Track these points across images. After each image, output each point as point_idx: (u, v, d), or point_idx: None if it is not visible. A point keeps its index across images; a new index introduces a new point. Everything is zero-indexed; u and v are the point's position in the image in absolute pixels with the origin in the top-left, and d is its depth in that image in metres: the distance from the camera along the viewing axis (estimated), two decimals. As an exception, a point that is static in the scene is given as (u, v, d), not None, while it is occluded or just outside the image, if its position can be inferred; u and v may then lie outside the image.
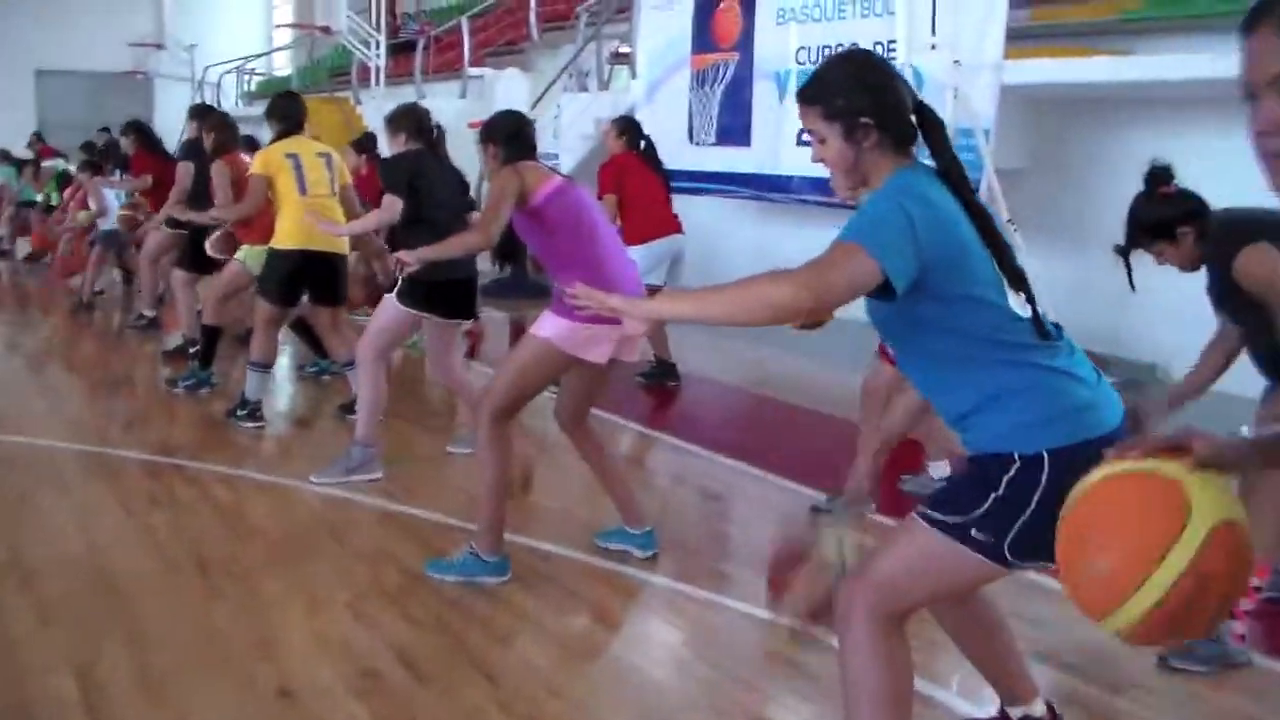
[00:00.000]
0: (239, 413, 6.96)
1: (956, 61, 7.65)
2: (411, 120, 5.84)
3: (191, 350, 8.21)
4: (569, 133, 11.99)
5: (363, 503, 5.61)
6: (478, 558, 4.50)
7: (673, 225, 8.10)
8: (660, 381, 8.28)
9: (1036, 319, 2.59)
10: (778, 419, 7.74)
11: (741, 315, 2.42)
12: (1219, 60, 7.65)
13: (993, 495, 2.51)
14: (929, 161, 2.68)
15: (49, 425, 6.98)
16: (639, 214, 7.80)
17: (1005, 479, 2.51)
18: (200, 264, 8.20)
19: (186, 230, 8.44)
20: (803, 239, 10.14)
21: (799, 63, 9.30)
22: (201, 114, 8.70)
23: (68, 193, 12.93)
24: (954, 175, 2.62)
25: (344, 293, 7.03)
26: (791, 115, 9.44)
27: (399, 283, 5.52)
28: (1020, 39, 8.31)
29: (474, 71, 15.82)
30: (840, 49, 8.99)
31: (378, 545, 5.10)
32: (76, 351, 10.22)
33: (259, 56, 26.14)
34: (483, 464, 4.54)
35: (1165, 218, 3.87)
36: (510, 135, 4.66)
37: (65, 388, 8.75)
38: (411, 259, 4.75)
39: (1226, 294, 3.84)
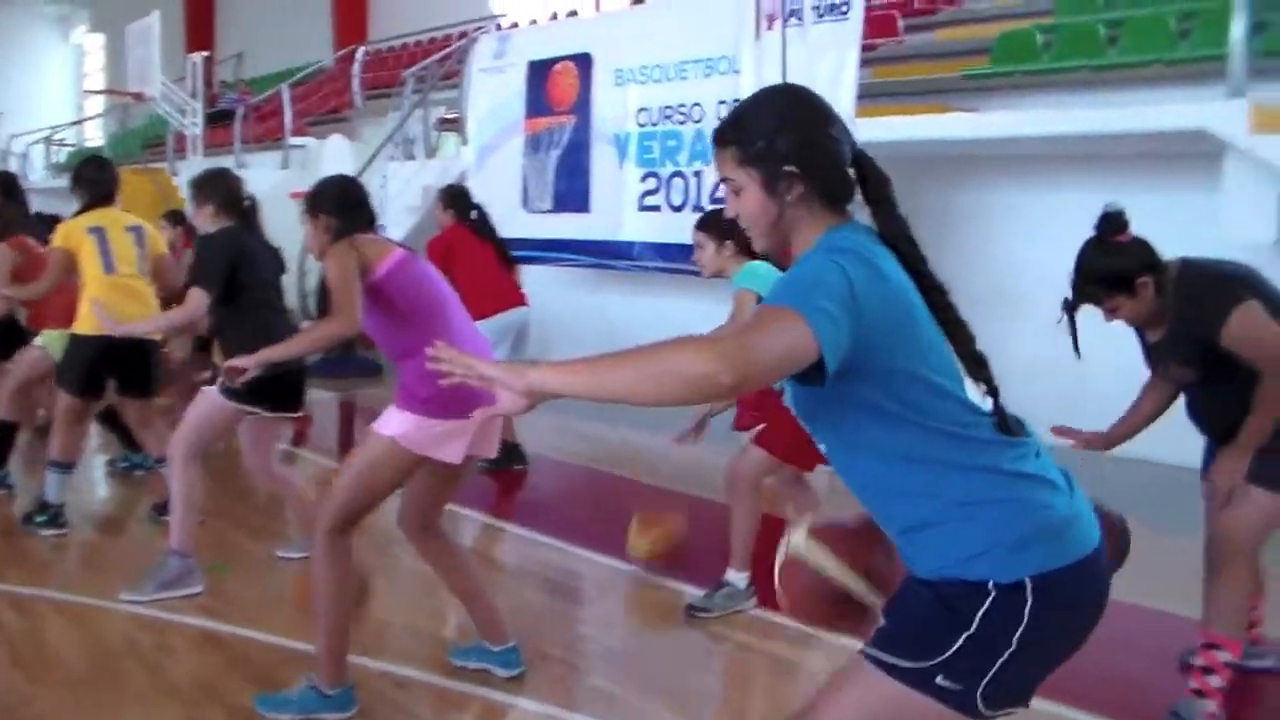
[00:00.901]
0: (37, 518, 6.07)
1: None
2: (220, 188, 5.10)
3: None
4: (396, 203, 11.39)
5: (182, 624, 4.79)
6: (318, 691, 3.81)
7: (515, 297, 7.36)
8: (505, 465, 7.48)
9: (1001, 413, 2.09)
10: (636, 503, 7.10)
11: (649, 390, 1.87)
12: (1062, 116, 7.56)
13: (964, 634, 2.00)
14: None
15: None
16: (475, 289, 7.07)
17: (979, 613, 2.00)
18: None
19: None
20: (643, 307, 9.76)
21: (640, 125, 8.91)
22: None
23: None
24: (900, 239, 2.14)
25: (155, 382, 6.24)
26: (633, 180, 9.21)
27: (222, 372, 4.75)
28: (864, 98, 8.04)
29: (296, 140, 15.10)
30: (682, 107, 8.92)
31: (199, 677, 4.31)
32: None
33: (69, 125, 24.88)
34: (320, 581, 3.83)
35: (1123, 269, 3.51)
36: (343, 205, 4.04)
37: None
38: (252, 363, 4.03)
39: (1194, 350, 3.55)
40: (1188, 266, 3.56)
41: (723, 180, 2.19)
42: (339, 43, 20.60)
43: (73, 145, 24.10)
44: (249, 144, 15.87)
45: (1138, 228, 3.56)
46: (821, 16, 7.79)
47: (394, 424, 3.79)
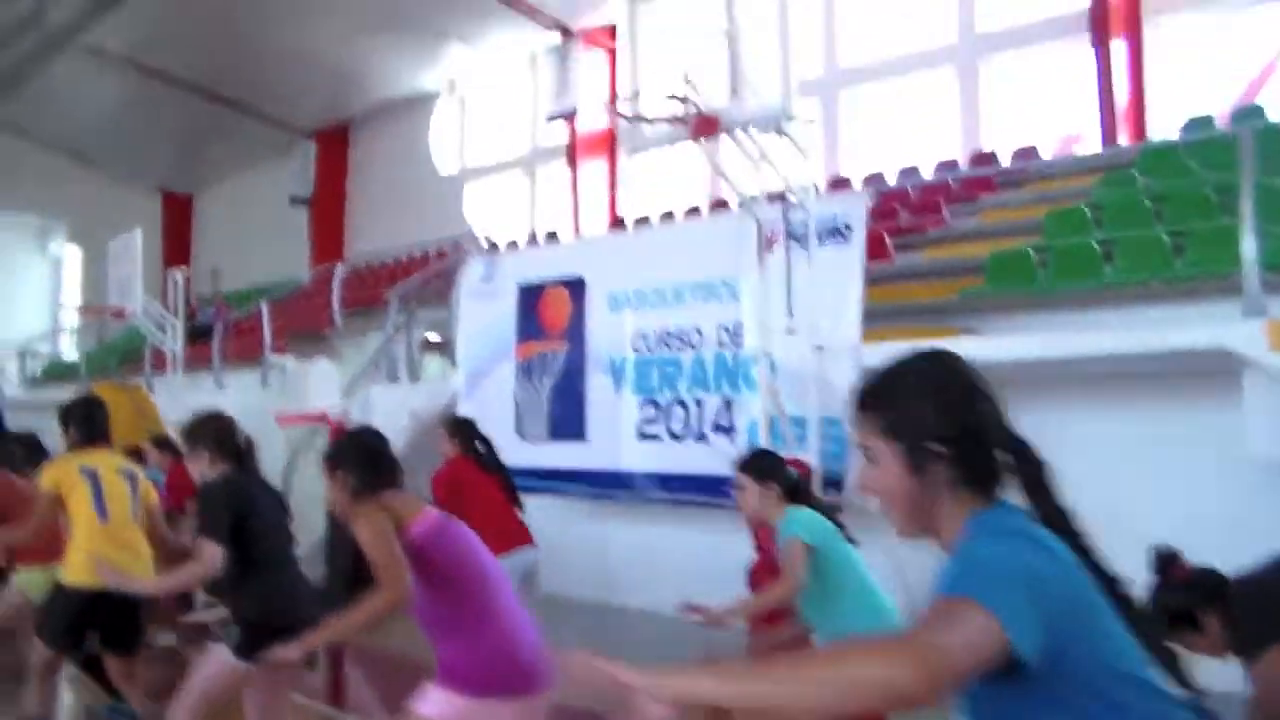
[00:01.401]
0: None
1: (819, 346, 7.12)
2: (213, 433, 4.80)
3: None
4: (385, 427, 11.03)
5: None
6: None
7: (522, 536, 6.89)
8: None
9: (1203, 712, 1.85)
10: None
11: (837, 700, 1.63)
12: (1078, 339, 7.44)
13: None
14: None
15: None
16: (483, 526, 6.68)
17: None
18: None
19: None
20: (647, 537, 9.45)
21: (637, 351, 8.72)
22: None
23: None
24: (1066, 527, 1.92)
25: (141, 638, 5.81)
26: (631, 407, 9.00)
27: (232, 631, 4.50)
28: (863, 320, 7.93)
29: (275, 359, 14.87)
30: (681, 333, 8.76)
31: None
32: None
33: (43, 338, 24.68)
34: None
35: (1185, 605, 3.30)
36: (368, 460, 3.82)
37: None
38: (304, 650, 3.81)
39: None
40: (1246, 586, 3.31)
41: (860, 446, 2.01)
42: (316, 258, 20.69)
43: (49, 356, 23.85)
44: (228, 361, 15.64)
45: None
46: (824, 240, 7.71)
47: (434, 703, 3.48)
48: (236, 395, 14.60)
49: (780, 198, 7.68)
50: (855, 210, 8.00)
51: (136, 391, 17.03)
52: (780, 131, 6.92)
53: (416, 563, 3.56)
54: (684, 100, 6.87)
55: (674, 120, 6.89)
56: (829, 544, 4.29)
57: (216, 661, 4.57)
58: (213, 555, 4.42)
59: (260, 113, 21.40)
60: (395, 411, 11.01)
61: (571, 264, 9.49)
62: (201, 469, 4.77)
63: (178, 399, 14.55)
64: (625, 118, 7.30)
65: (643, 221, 12.80)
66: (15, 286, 27.83)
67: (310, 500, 7.82)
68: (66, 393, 19.13)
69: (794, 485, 4.59)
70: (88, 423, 5.81)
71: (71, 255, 28.37)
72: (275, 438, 9.15)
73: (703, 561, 8.27)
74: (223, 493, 4.61)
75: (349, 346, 15.38)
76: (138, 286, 15.37)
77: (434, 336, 12.60)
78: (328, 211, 21.29)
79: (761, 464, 4.58)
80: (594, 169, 16.48)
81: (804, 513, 4.39)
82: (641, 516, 8.93)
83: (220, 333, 15.83)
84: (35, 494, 5.73)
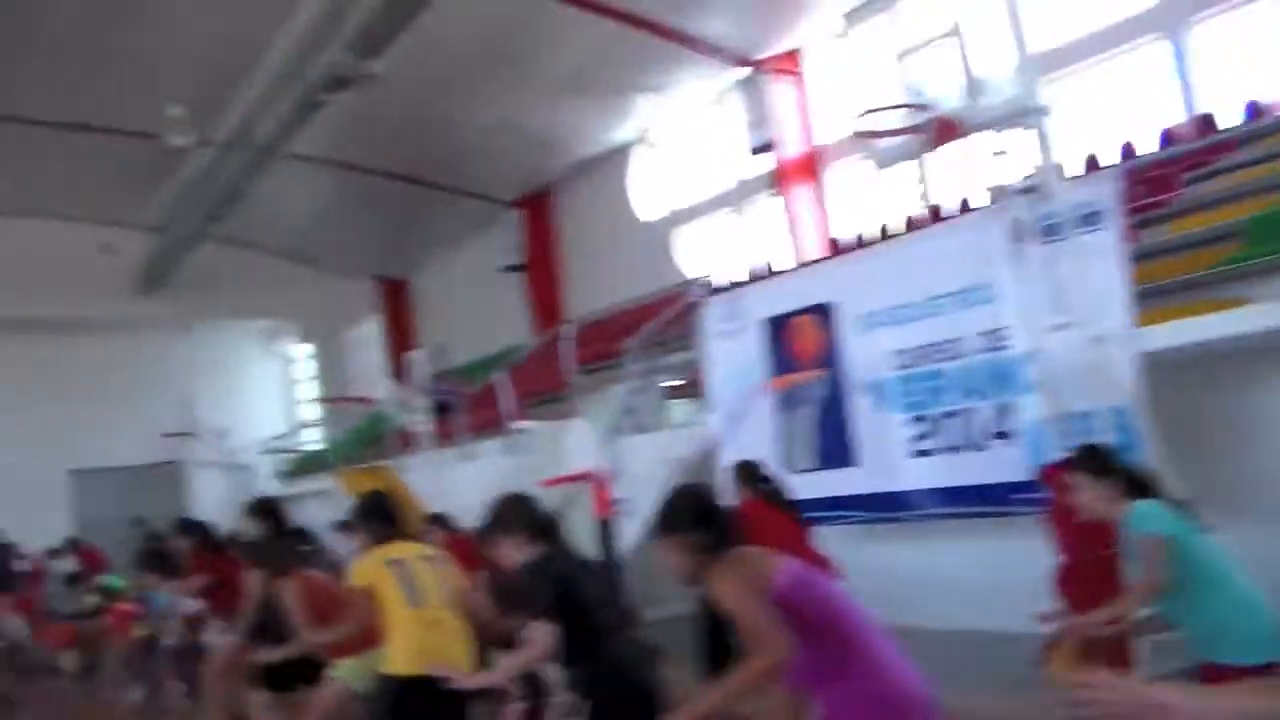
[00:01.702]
0: None
1: (1097, 337, 6.88)
2: (523, 515, 4.84)
3: None
4: (644, 479, 11.11)
5: None
6: None
7: (825, 569, 6.83)
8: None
9: None
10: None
11: None
12: None
13: None
14: None
15: None
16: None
17: None
18: (283, 682, 7.06)
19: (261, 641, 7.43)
20: (925, 555, 9.28)
21: (897, 368, 8.58)
22: (263, 517, 7.81)
23: (119, 611, 11.78)
24: None
25: None
26: (897, 425, 8.87)
27: (583, 703, 4.45)
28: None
29: (518, 425, 15.17)
30: (941, 344, 8.56)
31: None
32: None
33: (287, 434, 25.81)
34: None
35: None
36: (706, 517, 3.72)
37: None
38: (699, 713, 3.57)
39: None
40: None
41: None
42: (537, 322, 21.07)
43: (292, 452, 24.89)
44: (471, 434, 16.02)
45: None
46: (1079, 228, 7.46)
47: None
48: (485, 466, 14.95)
49: (1027, 191, 7.48)
50: (1105, 193, 7.74)
51: (386, 472, 17.64)
52: (1027, 125, 6.76)
53: (785, 615, 3.41)
54: (920, 108, 6.77)
55: (913, 130, 6.79)
56: (1186, 536, 4.10)
57: None
58: (545, 635, 4.40)
59: (463, 189, 21.99)
60: (652, 461, 11.07)
61: (815, 291, 9.44)
62: (514, 553, 4.77)
63: (430, 477, 14.98)
64: (864, 135, 7.17)
65: (867, 242, 12.66)
66: (252, 388, 29.23)
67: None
68: (319, 483, 20.01)
69: (1136, 478, 4.40)
70: (382, 517, 5.96)
71: (301, 352, 29.64)
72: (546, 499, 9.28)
73: (994, 574, 8.07)
74: (544, 572, 4.59)
75: (588, 403, 15.57)
76: (378, 373, 15.92)
77: (675, 381, 12.65)
78: (541, 275, 21.65)
79: (1096, 459, 4.40)
80: (800, 195, 16.40)
81: (1152, 506, 4.19)
82: (923, 534, 8.77)
83: (459, 407, 16.24)
84: (345, 591, 5.93)
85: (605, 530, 10.61)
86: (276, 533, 7.66)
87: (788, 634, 3.35)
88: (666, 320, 13.43)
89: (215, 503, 22.45)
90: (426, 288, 26.68)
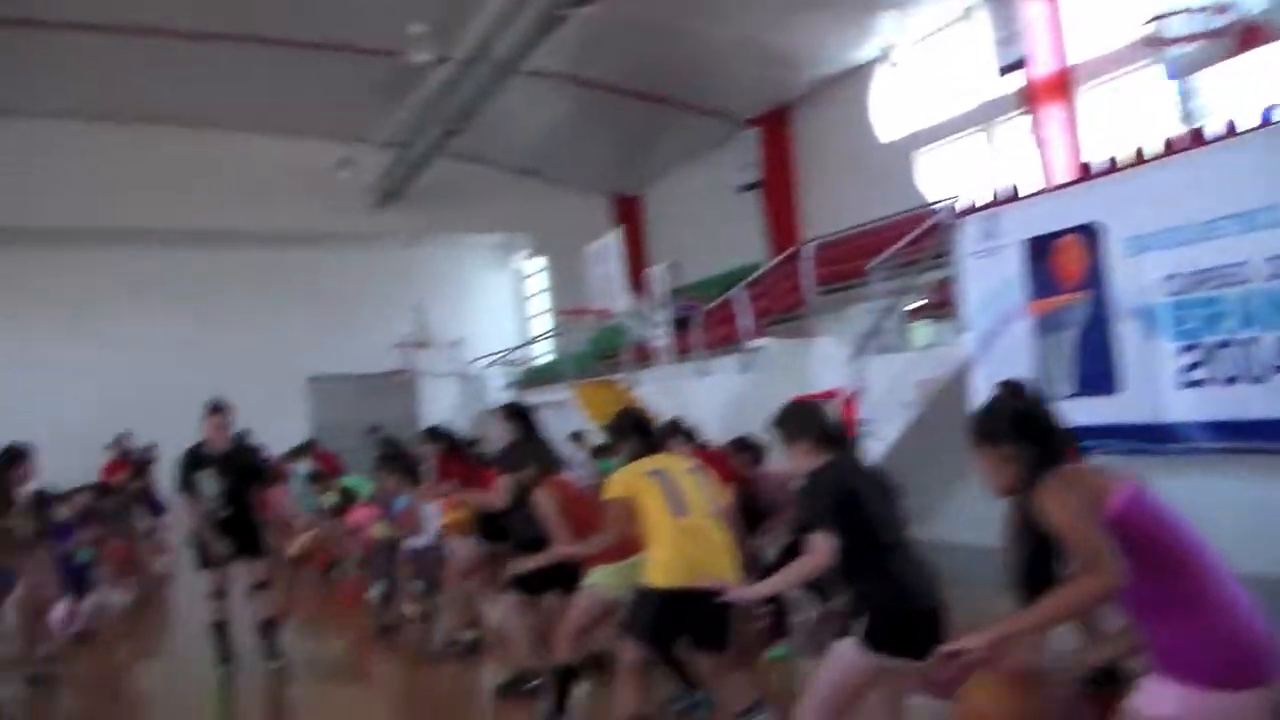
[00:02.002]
0: None
1: None
2: (811, 421, 4.67)
3: (530, 686, 7.09)
4: (888, 401, 10.97)
5: None
6: None
7: None
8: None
9: None
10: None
11: None
12: None
13: None
14: None
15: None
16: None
17: None
18: (533, 584, 7.10)
19: (508, 546, 7.58)
20: (1190, 490, 8.84)
21: (1170, 294, 8.20)
22: (516, 422, 7.73)
23: (359, 512, 12.15)
24: None
25: (731, 635, 5.59)
26: (1166, 353, 8.47)
27: (858, 620, 4.29)
28: None
29: (754, 343, 15.15)
30: (1220, 269, 8.10)
31: None
32: (383, 674, 9.14)
33: (519, 346, 26.37)
34: None
35: None
36: (1037, 426, 3.41)
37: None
38: (1011, 631, 3.29)
39: None
40: None
41: None
42: (772, 241, 20.94)
43: (523, 364, 25.44)
44: (706, 350, 16.08)
45: None
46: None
47: (1164, 699, 3.05)
48: (720, 382, 15.02)
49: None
50: None
51: (616, 387, 17.90)
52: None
53: (1121, 539, 3.09)
54: (1223, 10, 6.37)
55: (1214, 35, 6.40)
56: None
57: (842, 659, 4.34)
58: (824, 547, 4.30)
59: (700, 106, 21.91)
60: (896, 384, 10.92)
61: (1080, 211, 9.06)
62: (801, 460, 4.62)
63: (664, 392, 15.13)
64: (1156, 42, 6.78)
65: (1122, 165, 12.10)
66: (484, 301, 29.98)
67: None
68: (550, 395, 20.43)
69: None
70: (642, 430, 5.97)
71: (533, 267, 30.22)
72: (756, 422, 9.18)
73: (1266, 513, 7.72)
74: (828, 481, 4.46)
75: (826, 323, 15.45)
76: (619, 285, 16.06)
77: (918, 303, 12.42)
78: (777, 194, 21.47)
79: None
80: (1051, 115, 15.77)
81: None
82: (1189, 468, 8.40)
83: (696, 323, 16.30)
84: (602, 502, 5.88)
85: (850, 450, 10.54)
86: (527, 438, 7.62)
87: (1122, 559, 3.06)
88: (912, 241, 13.16)
89: (446, 412, 23.26)
90: (659, 205, 26.79)
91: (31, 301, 25.12)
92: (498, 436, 7.95)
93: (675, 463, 5.75)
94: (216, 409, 8.70)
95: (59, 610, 9.85)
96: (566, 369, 20.80)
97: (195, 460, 8.67)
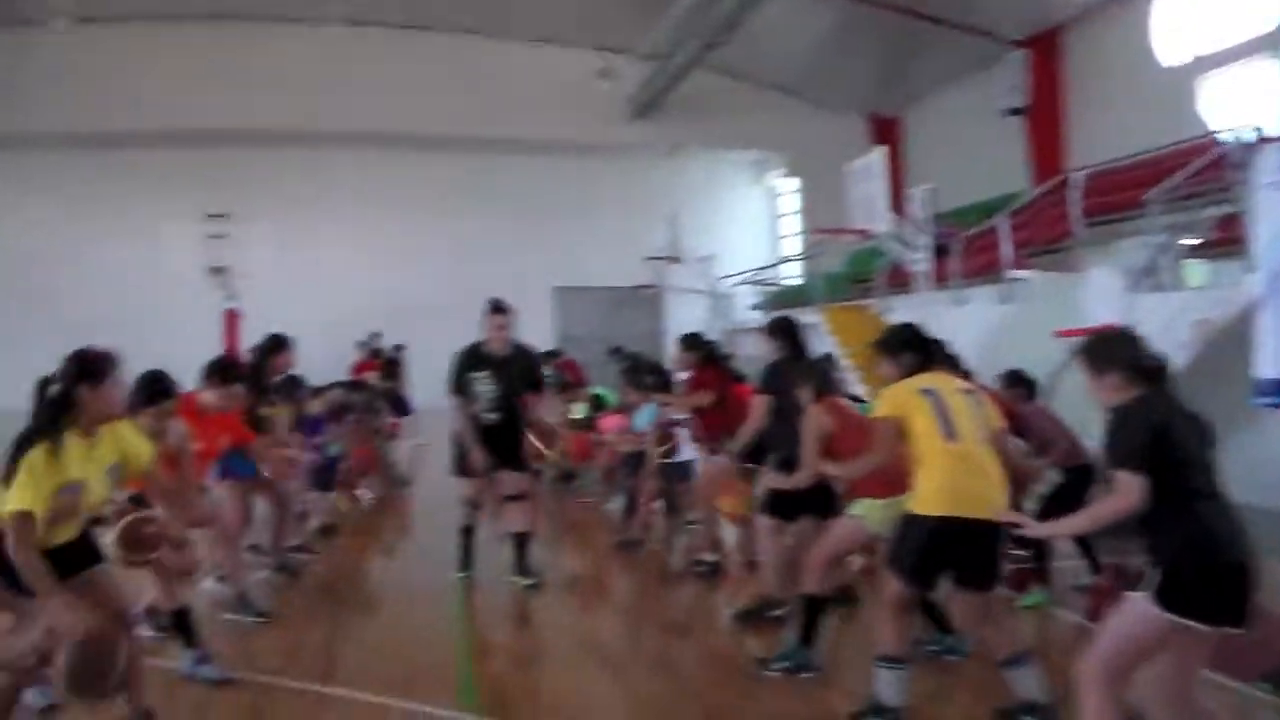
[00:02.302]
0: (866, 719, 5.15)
1: None
2: (1124, 352, 4.27)
3: (772, 614, 7.00)
4: (1160, 342, 10.48)
5: None
6: None
7: None
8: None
9: None
10: None
11: None
12: None
13: None
14: None
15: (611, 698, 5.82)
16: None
17: None
18: (788, 508, 6.92)
19: (757, 466, 7.48)
20: None
21: None
22: (783, 338, 7.51)
23: (609, 421, 12.13)
24: None
25: (999, 573, 5.19)
26: None
27: (1155, 571, 4.00)
28: None
29: (1016, 274, 14.76)
30: None
31: None
32: (619, 592, 8.98)
33: (772, 266, 26.34)
34: None
35: None
36: None
37: (610, 641, 7.21)
38: None
39: None
40: None
41: None
42: (1036, 169, 20.26)
43: (772, 285, 25.43)
44: (963, 280, 15.77)
45: None
46: None
47: None
48: (976, 312, 14.72)
49: None
50: None
51: (867, 312, 17.73)
52: None
53: None
54: None
55: None
56: None
57: (1135, 611, 4.05)
58: (1134, 488, 3.99)
59: (965, 25, 21.24)
60: (1172, 322, 10.49)
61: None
62: (1109, 395, 4.27)
63: (919, 319, 14.86)
64: None
65: None
66: (735, 218, 29.99)
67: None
68: (799, 317, 20.31)
69: None
70: (915, 346, 5.47)
71: (786, 187, 30.04)
72: (1014, 356, 8.88)
73: None
74: (1140, 417, 4.11)
75: (1092, 256, 14.92)
76: (882, 206, 15.77)
77: (1196, 239, 11.83)
78: (1045, 120, 20.69)
79: None
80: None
81: None
82: None
83: (954, 250, 15.98)
84: (870, 423, 5.51)
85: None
86: (795, 356, 7.37)
87: None
88: (1194, 173, 12.52)
89: (690, 329, 23.23)
90: (918, 127, 26.23)
91: (310, 199, 26.47)
92: (763, 353, 7.65)
93: (947, 383, 5.31)
94: (498, 309, 8.31)
95: (306, 502, 10.25)
96: (816, 291, 20.65)
97: (473, 360, 8.30)
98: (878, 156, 16.19)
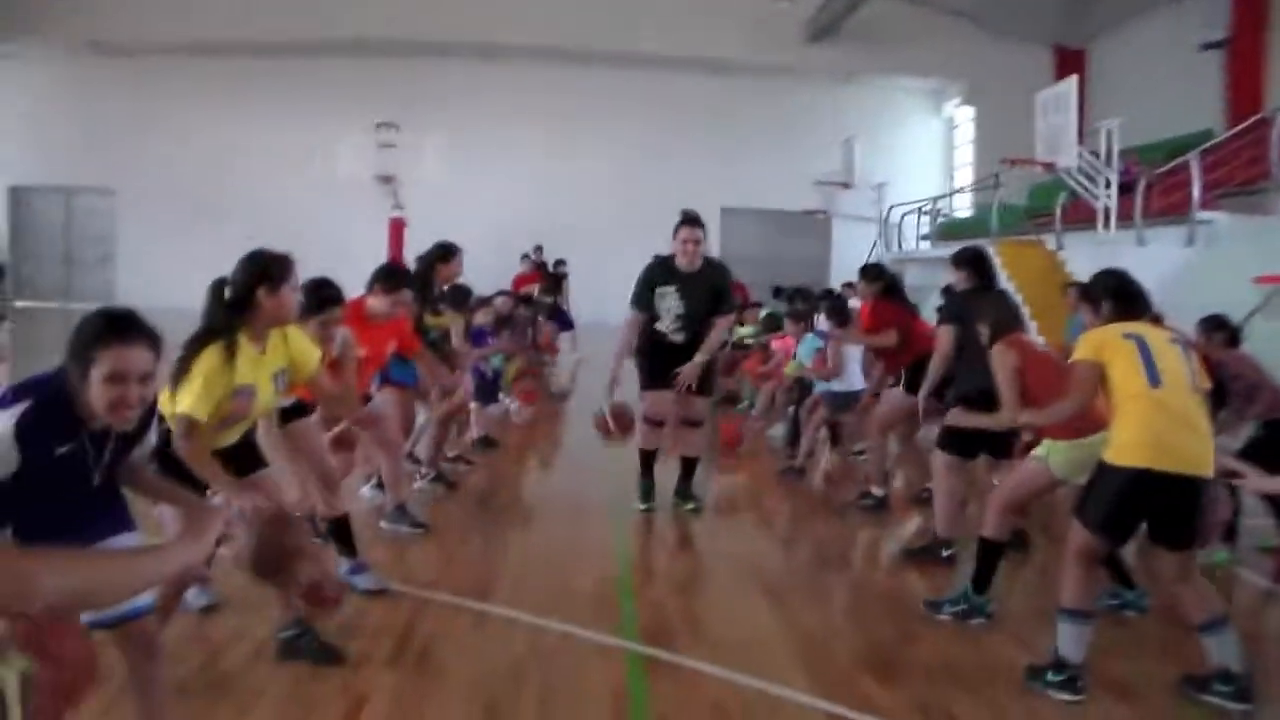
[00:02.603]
0: (1050, 676, 4.75)
1: None
2: None
3: (944, 555, 6.81)
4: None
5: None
6: None
7: None
8: None
9: None
10: None
11: None
12: None
13: None
14: None
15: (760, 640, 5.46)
16: None
17: None
18: (967, 445, 6.68)
19: (942, 401, 7.18)
20: None
21: None
22: (972, 268, 7.24)
23: (782, 342, 11.89)
24: None
25: (1200, 534, 4.78)
26: None
27: None
28: None
29: (1204, 216, 14.21)
30: None
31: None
32: (779, 520, 8.61)
33: (946, 196, 25.78)
34: None
35: None
36: None
37: (770, 570, 6.81)
38: None
39: None
40: None
41: None
42: (1232, 107, 19.41)
43: (945, 216, 24.95)
44: (1150, 218, 15.23)
45: None
46: None
47: None
48: (1159, 254, 14.22)
49: None
50: None
51: (1046, 250, 17.28)
52: None
53: None
54: None
55: None
56: None
57: None
58: None
59: (1162, -46, 20.42)
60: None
61: None
62: None
63: (1096, 258, 14.46)
64: None
65: None
66: (909, 146, 29.47)
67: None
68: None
69: None
70: (1123, 293, 5.15)
71: (963, 116, 29.35)
72: (1197, 301, 8.47)
73: None
74: None
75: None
76: (1071, 138, 15.24)
77: None
78: (1245, 54, 19.66)
79: None
80: None
81: None
82: None
83: (1139, 188, 15.43)
84: (1069, 365, 5.11)
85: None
86: (984, 288, 7.15)
87: None
88: None
89: (856, 257, 22.92)
90: (1106, 60, 25.25)
91: (479, 112, 26.89)
92: (954, 283, 7.42)
93: (1155, 331, 4.91)
94: (692, 220, 7.72)
95: (468, 413, 10.11)
96: (990, 224, 20.17)
97: (662, 273, 7.82)
98: (1069, 86, 15.56)
